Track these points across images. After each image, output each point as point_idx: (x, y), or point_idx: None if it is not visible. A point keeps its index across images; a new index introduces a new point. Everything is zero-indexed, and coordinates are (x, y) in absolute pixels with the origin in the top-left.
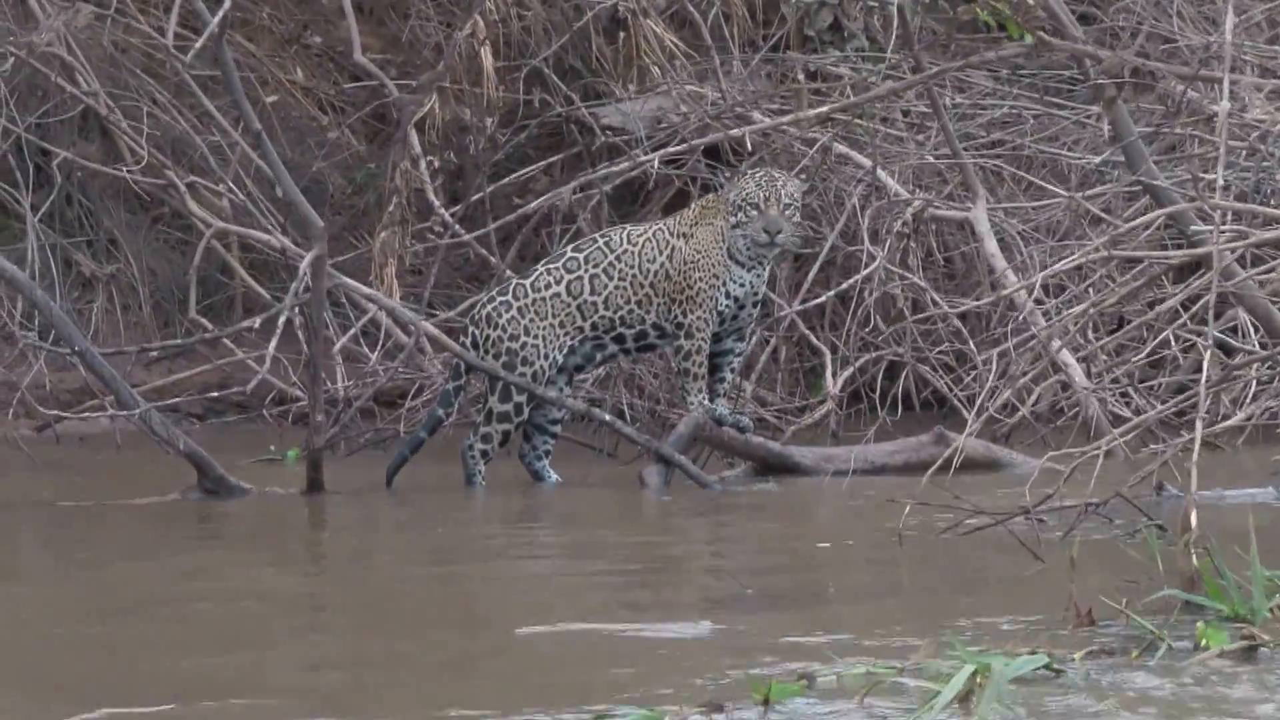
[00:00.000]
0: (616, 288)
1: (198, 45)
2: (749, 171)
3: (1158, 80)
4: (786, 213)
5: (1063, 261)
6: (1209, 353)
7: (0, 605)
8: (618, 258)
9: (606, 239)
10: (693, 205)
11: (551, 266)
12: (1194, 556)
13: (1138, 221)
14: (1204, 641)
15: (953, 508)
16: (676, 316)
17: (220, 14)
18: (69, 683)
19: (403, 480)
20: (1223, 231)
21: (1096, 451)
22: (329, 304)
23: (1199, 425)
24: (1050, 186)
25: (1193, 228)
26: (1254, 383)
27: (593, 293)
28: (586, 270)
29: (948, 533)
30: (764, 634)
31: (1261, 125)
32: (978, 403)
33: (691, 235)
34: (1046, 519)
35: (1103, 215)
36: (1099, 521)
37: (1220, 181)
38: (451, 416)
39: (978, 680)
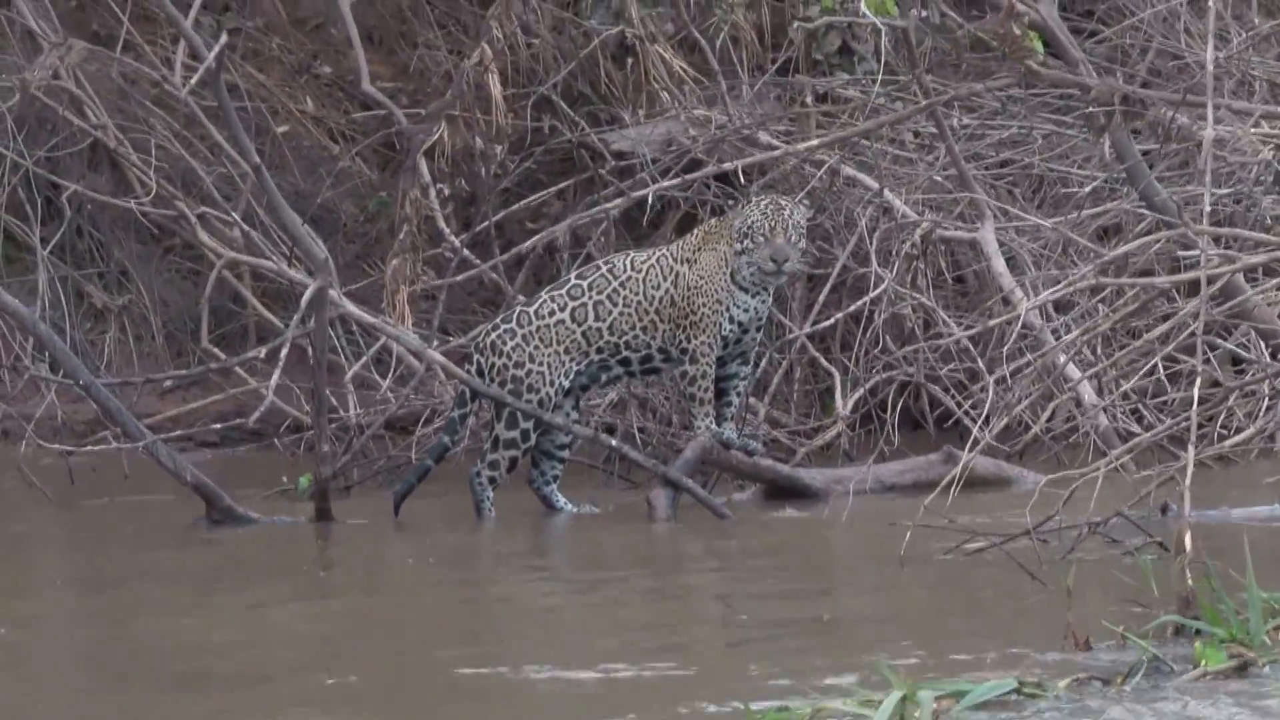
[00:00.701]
0: (621, 314)
1: (194, 80)
2: (754, 198)
3: (1147, 107)
4: (793, 240)
5: (1049, 291)
6: (1198, 379)
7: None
8: (622, 284)
9: (610, 265)
10: (696, 230)
11: (556, 293)
12: (1189, 578)
13: (1126, 248)
14: (1203, 663)
15: (955, 530)
16: (681, 341)
17: (217, 48)
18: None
19: (413, 509)
20: (1212, 256)
21: (1096, 472)
22: (342, 332)
23: (1191, 450)
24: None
25: (1181, 252)
26: (1266, 396)
27: (597, 319)
28: (591, 296)
29: (949, 554)
30: (745, 667)
31: (1244, 153)
32: (978, 423)
33: (695, 261)
34: (1049, 539)
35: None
36: (1102, 541)
37: (1206, 207)
38: (459, 444)
39: (907, 706)
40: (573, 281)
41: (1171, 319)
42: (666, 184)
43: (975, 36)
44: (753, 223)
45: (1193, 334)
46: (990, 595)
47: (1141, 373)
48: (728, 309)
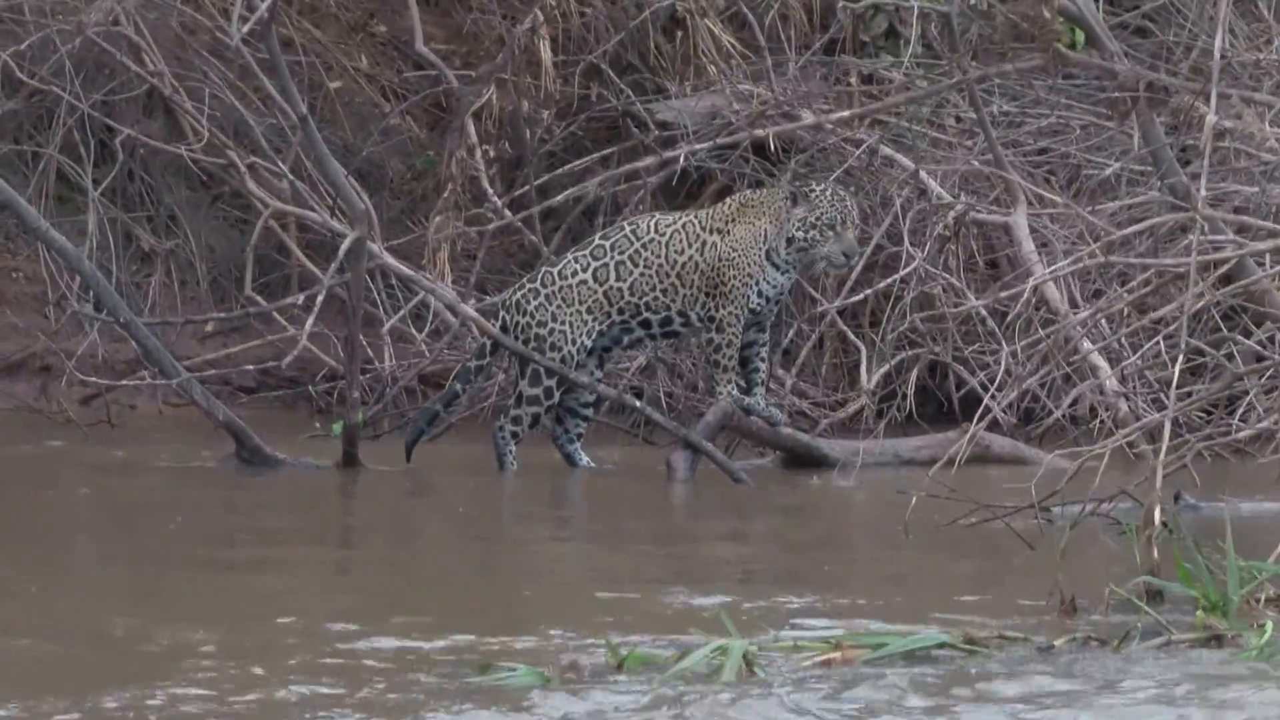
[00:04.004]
0: (642, 274)
1: (244, 29)
2: (819, 188)
3: (1171, 95)
4: (855, 232)
5: (1061, 265)
6: (1176, 365)
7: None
8: (644, 245)
9: (634, 226)
10: (729, 201)
11: (579, 254)
12: (1155, 551)
13: (1133, 229)
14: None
15: (960, 500)
16: (709, 310)
17: (268, 1)
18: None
19: (436, 459)
20: (1211, 240)
21: (1102, 451)
22: (382, 285)
23: (1167, 429)
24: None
25: (1187, 240)
26: None
27: (618, 279)
28: (612, 257)
29: (947, 526)
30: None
31: (1253, 140)
32: (985, 397)
33: (728, 232)
34: (1053, 516)
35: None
36: (1105, 522)
37: (1203, 191)
38: (467, 393)
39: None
40: (596, 242)
41: (1177, 301)
42: (698, 147)
43: (1002, 26)
44: (822, 214)
45: (1212, 323)
46: (987, 564)
47: (1154, 359)
48: (757, 283)
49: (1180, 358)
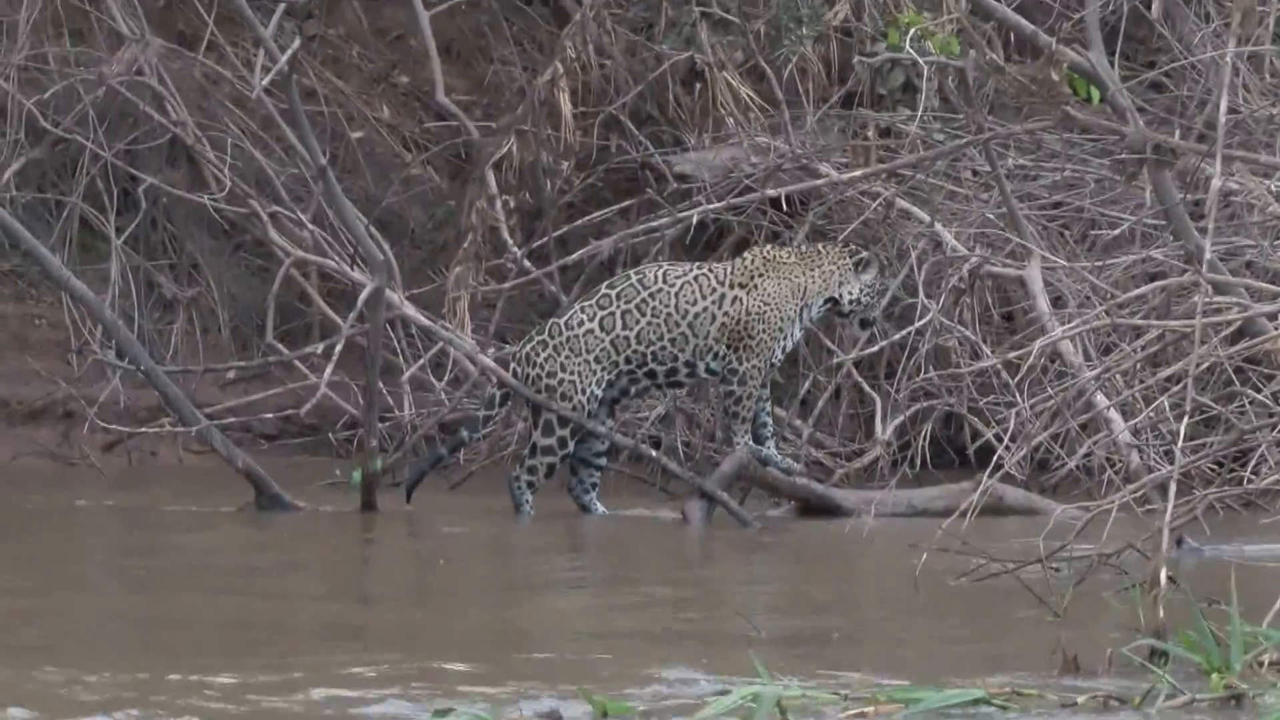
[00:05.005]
0: (649, 324)
1: (265, 79)
2: (868, 258)
3: (1178, 156)
4: None
5: (1066, 328)
6: (1183, 422)
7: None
8: (651, 295)
9: (640, 276)
10: (750, 256)
11: (586, 304)
12: (1161, 610)
13: (1138, 291)
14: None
15: (970, 554)
16: (731, 362)
17: (289, 52)
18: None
19: (454, 506)
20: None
21: (1110, 505)
22: (402, 334)
23: (1171, 490)
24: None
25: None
26: None
27: (624, 327)
28: (619, 306)
29: (962, 579)
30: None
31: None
32: (997, 451)
33: (755, 286)
34: (1062, 568)
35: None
36: (1115, 573)
37: (1207, 255)
38: (473, 441)
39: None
40: (602, 291)
41: (1185, 360)
42: (712, 207)
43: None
44: (884, 283)
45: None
46: (996, 619)
47: (1166, 412)
48: (786, 338)
49: (1186, 416)
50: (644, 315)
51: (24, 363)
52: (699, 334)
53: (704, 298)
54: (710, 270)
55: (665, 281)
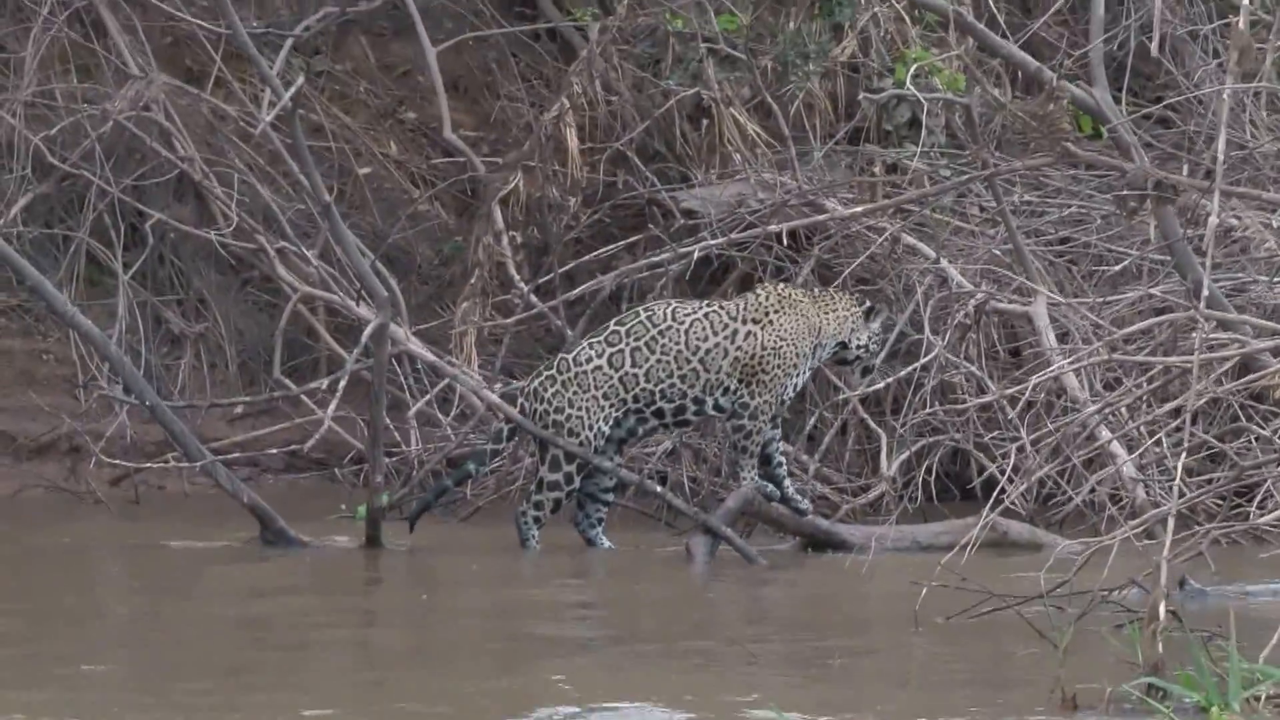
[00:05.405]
0: (659, 361)
1: (270, 115)
2: (884, 309)
3: (1179, 193)
4: None
5: (1064, 363)
6: (1180, 459)
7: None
8: (660, 332)
9: (650, 313)
10: (763, 292)
11: (594, 340)
12: (1159, 645)
13: (1135, 327)
14: None
15: (971, 590)
16: (743, 396)
17: (293, 89)
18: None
19: (461, 540)
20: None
21: (1112, 540)
22: (409, 370)
23: (1169, 526)
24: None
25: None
26: None
27: (634, 365)
28: (628, 343)
29: (959, 615)
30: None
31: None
32: (998, 486)
33: (770, 323)
34: (1064, 605)
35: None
36: (1116, 610)
37: (1205, 291)
38: (479, 475)
39: None
40: (611, 328)
41: (1184, 396)
42: (715, 242)
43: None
44: (888, 332)
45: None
46: (997, 655)
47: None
48: (800, 373)
49: (1184, 452)
50: (653, 352)
51: (30, 398)
52: (710, 369)
53: (716, 334)
54: (721, 307)
55: (675, 319)
